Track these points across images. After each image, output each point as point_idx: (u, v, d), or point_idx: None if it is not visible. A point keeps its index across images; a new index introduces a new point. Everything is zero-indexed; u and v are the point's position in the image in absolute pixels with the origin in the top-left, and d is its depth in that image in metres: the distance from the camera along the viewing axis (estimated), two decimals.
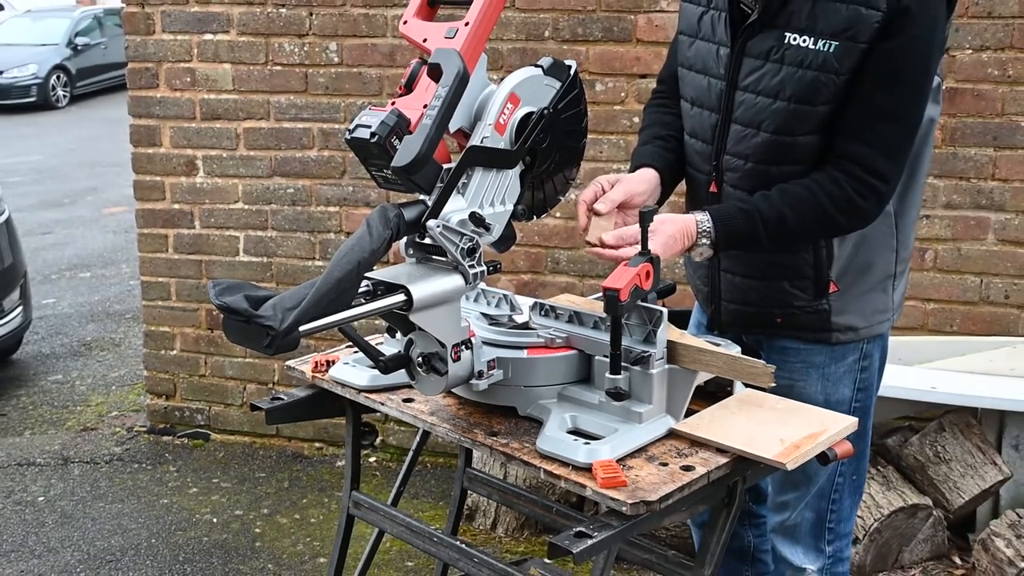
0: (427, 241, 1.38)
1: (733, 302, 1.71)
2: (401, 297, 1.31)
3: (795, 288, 1.65)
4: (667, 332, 1.44)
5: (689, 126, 1.71)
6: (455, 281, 1.37)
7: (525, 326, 1.58)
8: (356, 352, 1.74)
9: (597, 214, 1.53)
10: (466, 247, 1.36)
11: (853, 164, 1.51)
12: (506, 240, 1.45)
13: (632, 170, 1.67)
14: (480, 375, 1.43)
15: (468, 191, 1.38)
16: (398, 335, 1.59)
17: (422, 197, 1.37)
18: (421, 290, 1.32)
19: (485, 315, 1.61)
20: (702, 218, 1.51)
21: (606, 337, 1.44)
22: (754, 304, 1.68)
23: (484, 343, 1.47)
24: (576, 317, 1.52)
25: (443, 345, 1.37)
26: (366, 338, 1.50)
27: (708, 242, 1.50)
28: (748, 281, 1.67)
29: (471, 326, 1.46)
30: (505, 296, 1.63)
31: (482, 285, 1.60)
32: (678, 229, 1.48)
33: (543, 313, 1.57)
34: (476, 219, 1.36)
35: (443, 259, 1.39)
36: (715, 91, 1.62)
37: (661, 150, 1.70)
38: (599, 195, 1.55)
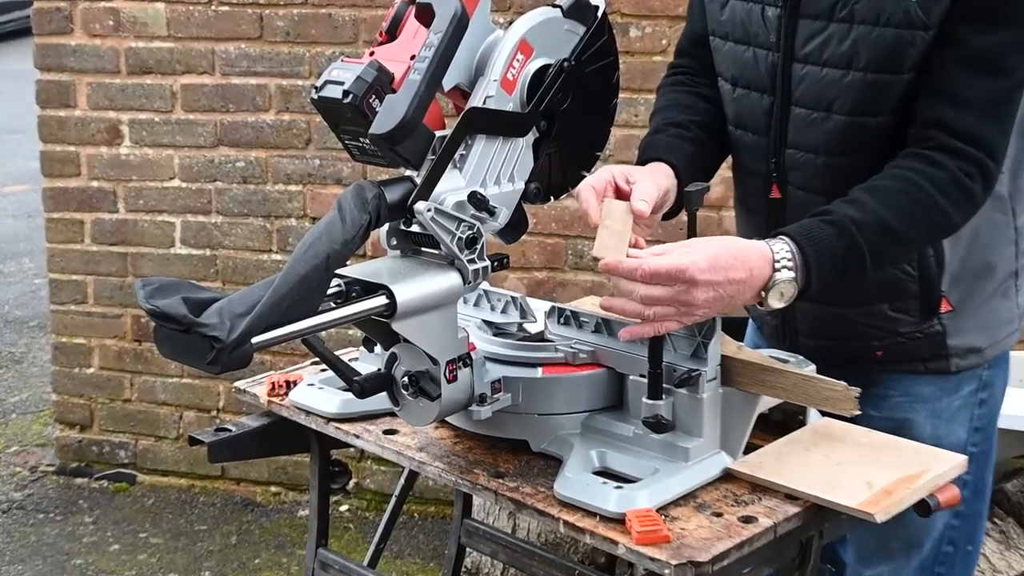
0: (415, 229, 1.40)
1: (814, 336, 1.69)
2: (381, 300, 1.32)
3: (898, 311, 1.63)
4: (721, 345, 1.45)
5: (733, 113, 1.71)
6: (450, 280, 1.38)
7: (540, 337, 1.60)
8: (324, 371, 1.76)
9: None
10: (465, 237, 1.38)
11: (946, 133, 1.47)
12: (515, 228, 1.47)
13: (641, 165, 1.66)
14: (482, 400, 1.45)
15: (467, 165, 1.40)
16: (377, 349, 1.59)
17: (409, 173, 1.39)
18: (407, 291, 1.33)
19: (489, 323, 1.63)
20: (775, 243, 1.42)
21: (643, 352, 1.45)
22: (845, 337, 1.66)
23: (487, 359, 1.49)
24: (604, 326, 1.53)
25: (435, 362, 1.38)
26: (337, 353, 1.51)
27: (791, 276, 1.40)
28: (835, 309, 1.65)
29: (471, 337, 1.47)
30: (514, 299, 1.64)
31: (485, 285, 1.61)
32: (739, 257, 1.38)
33: (563, 321, 1.59)
34: (477, 201, 1.37)
35: (435, 252, 1.41)
36: (765, 65, 1.61)
37: (679, 141, 1.68)
38: (609, 187, 1.53)
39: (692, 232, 1.43)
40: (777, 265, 1.40)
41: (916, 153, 1.50)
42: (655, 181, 1.55)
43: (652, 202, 1.49)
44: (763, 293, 1.40)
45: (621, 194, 1.53)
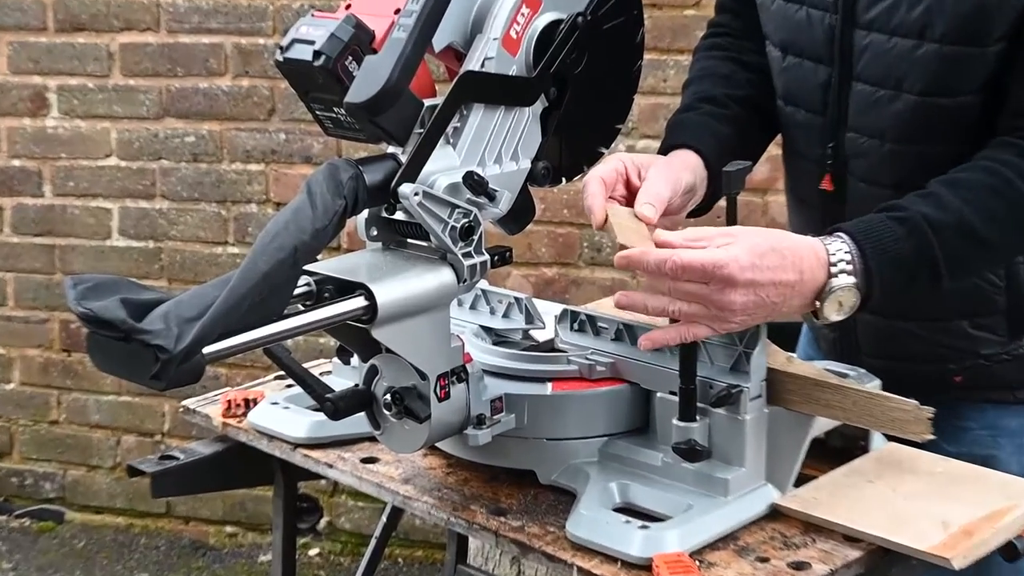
0: (400, 217, 1.41)
1: (880, 356, 1.69)
2: (359, 302, 1.32)
3: (980, 329, 1.63)
4: (767, 356, 1.46)
5: (783, 85, 1.71)
6: (442, 277, 1.39)
7: (549, 347, 1.61)
8: (290, 387, 1.77)
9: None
10: (459, 226, 1.38)
11: None
12: (520, 215, 1.48)
13: (664, 151, 1.66)
14: (480, 422, 1.46)
15: (462, 141, 1.40)
16: (354, 361, 1.60)
17: (392, 150, 1.40)
18: (389, 291, 1.33)
19: (488, 330, 1.64)
20: (831, 242, 1.41)
21: (674, 364, 1.46)
22: (917, 359, 1.67)
23: (487, 373, 1.50)
24: (627, 333, 1.54)
25: (423, 376, 1.39)
26: (306, 365, 1.51)
27: (851, 282, 1.39)
28: (903, 324, 1.65)
29: (466, 347, 1.48)
30: (518, 301, 1.66)
31: (483, 284, 1.63)
32: (788, 257, 1.37)
33: (576, 326, 1.60)
34: (474, 183, 1.38)
35: (424, 244, 1.42)
36: (821, 29, 1.62)
37: (712, 121, 1.69)
38: (619, 180, 1.54)
39: (732, 220, 1.43)
40: (833, 269, 1.39)
41: (1009, 143, 1.49)
42: (669, 178, 1.54)
43: (661, 206, 1.49)
44: (817, 302, 1.39)
45: (631, 190, 1.54)
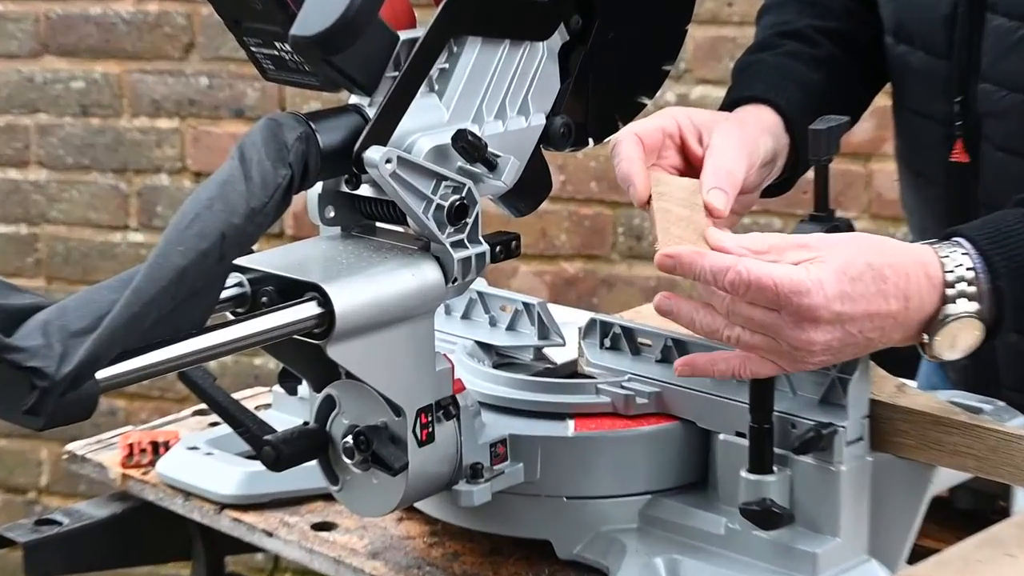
0: (366, 193, 1.42)
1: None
2: (310, 309, 1.32)
3: None
4: (871, 383, 1.46)
5: (893, 17, 1.73)
6: (423, 275, 1.39)
7: (571, 371, 1.62)
8: (215, 425, 1.79)
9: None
10: (448, 204, 1.38)
11: None
12: (531, 190, 1.49)
13: (728, 105, 1.67)
14: (476, 474, 1.46)
15: (452, 88, 1.41)
16: (303, 390, 1.62)
17: (355, 100, 1.40)
18: (351, 294, 1.33)
19: (487, 347, 1.66)
20: (948, 252, 1.41)
21: (742, 394, 1.46)
22: None
23: (484, 406, 1.51)
24: (677, 351, 1.54)
25: (398, 411, 1.40)
26: (236, 396, 1.53)
27: (972, 309, 1.39)
28: None
29: (457, 370, 1.48)
30: (528, 308, 1.67)
31: (480, 284, 1.65)
32: (891, 278, 1.37)
33: (609, 343, 1.61)
34: (468, 145, 1.37)
35: (399, 230, 1.43)
36: None
37: (796, 65, 1.70)
38: (668, 143, 1.55)
39: (822, 198, 1.43)
40: (949, 291, 1.39)
41: None
42: (743, 147, 1.55)
43: (734, 190, 1.49)
44: (925, 335, 1.41)
45: (689, 156, 1.54)
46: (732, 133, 1.55)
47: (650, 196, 1.47)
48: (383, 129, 1.35)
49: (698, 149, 1.53)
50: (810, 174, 1.47)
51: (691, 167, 1.52)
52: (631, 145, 1.49)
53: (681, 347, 1.54)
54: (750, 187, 1.57)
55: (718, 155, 1.50)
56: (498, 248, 1.44)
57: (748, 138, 1.56)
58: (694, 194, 1.46)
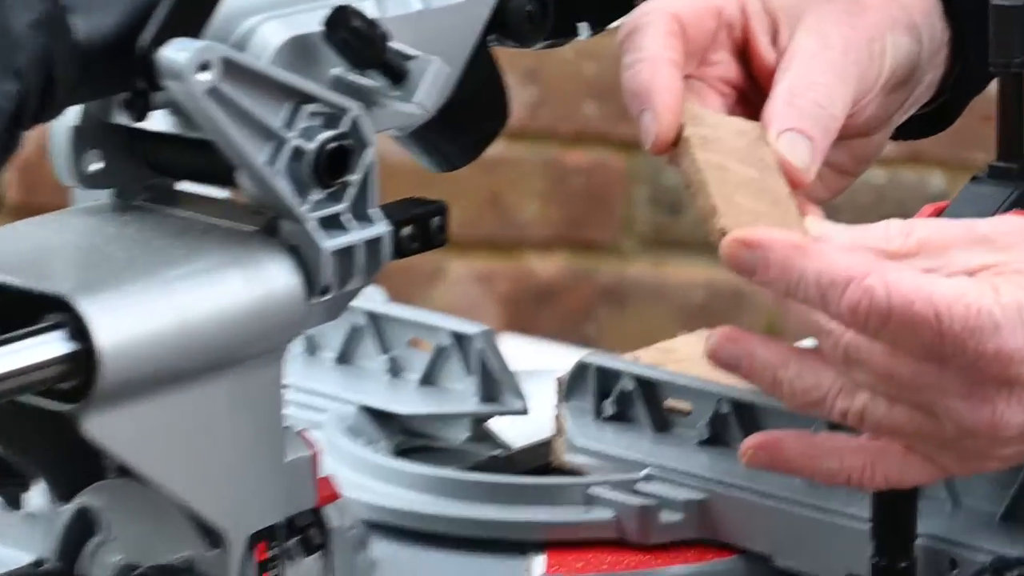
0: (161, 128, 1.13)
1: None
2: (50, 347, 1.03)
3: None
4: None
5: None
6: (266, 281, 1.11)
7: (541, 462, 1.41)
8: None
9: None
10: (314, 148, 1.09)
11: None
12: (472, 123, 1.25)
13: None
14: None
15: None
16: (36, 499, 1.33)
17: None
18: (128, 318, 1.05)
19: (383, 417, 1.43)
20: None
21: (857, 507, 1.22)
22: None
23: (377, 528, 1.30)
24: (739, 422, 1.28)
25: (216, 540, 1.11)
26: None
27: None
28: None
29: (328, 459, 1.21)
30: (462, 342, 1.43)
31: (374, 297, 1.46)
32: None
33: (612, 408, 1.34)
34: (354, 36, 1.10)
35: (222, 195, 1.18)
36: None
37: None
38: (721, 31, 1.28)
39: (1013, 135, 1.19)
40: None
41: None
42: (848, 54, 1.26)
43: (828, 135, 1.22)
44: None
45: (756, 65, 1.26)
46: (831, 31, 1.24)
47: (679, 135, 1.16)
48: (192, 6, 1.09)
49: (771, 54, 1.23)
50: (990, 94, 1.22)
51: (757, 87, 1.23)
52: (659, 35, 1.18)
53: (749, 417, 1.26)
54: (867, 126, 1.26)
55: (801, 70, 1.22)
56: (408, 230, 1.15)
57: (858, 39, 1.24)
58: (757, 144, 1.18)
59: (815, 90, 1.20)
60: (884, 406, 1.07)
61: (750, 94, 1.24)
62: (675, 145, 1.15)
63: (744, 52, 1.24)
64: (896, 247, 1.06)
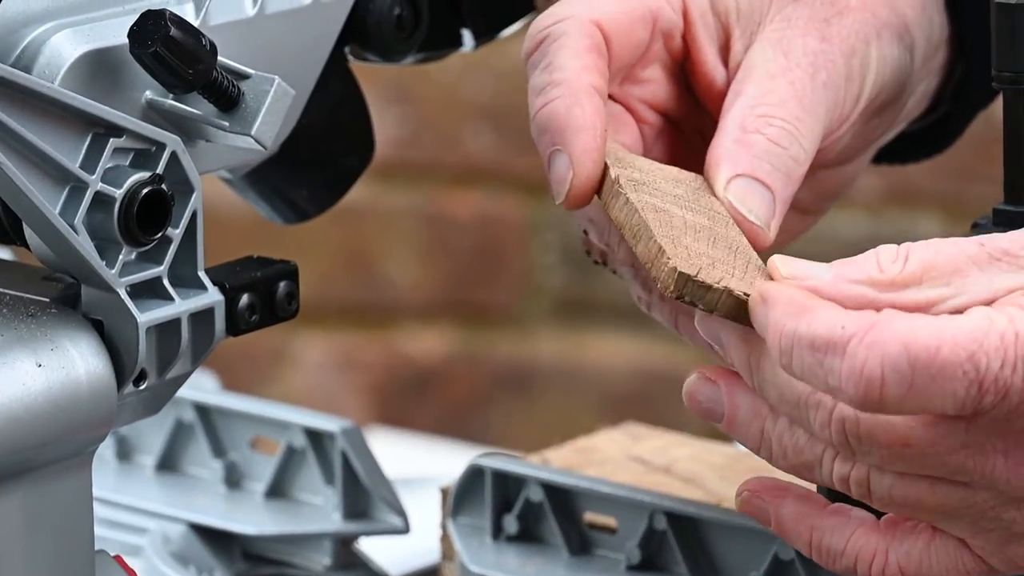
0: None
1: None
2: None
3: None
4: None
5: None
6: (66, 366, 1.05)
7: None
8: None
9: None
10: (122, 194, 1.03)
11: None
12: (327, 160, 1.23)
13: None
14: None
15: None
16: None
17: None
18: None
19: (219, 539, 1.35)
20: None
21: None
22: None
23: None
24: (675, 539, 1.20)
25: None
26: None
27: None
28: None
29: None
30: (318, 442, 1.35)
31: (202, 387, 1.42)
32: None
33: (514, 526, 1.29)
34: (173, 50, 1.02)
35: (6, 256, 1.25)
36: None
37: None
38: (666, 46, 1.22)
39: (1017, 164, 1.10)
40: None
41: None
42: (816, 75, 1.17)
43: (791, 185, 1.13)
44: None
45: (699, 83, 1.19)
46: (796, 43, 1.17)
47: (605, 178, 1.06)
48: None
49: (719, 71, 1.15)
50: (995, 112, 1.14)
51: (699, 114, 1.15)
52: (578, 50, 1.11)
53: (690, 534, 1.18)
54: (840, 157, 1.21)
55: (757, 95, 1.14)
56: (246, 299, 1.10)
57: (832, 53, 1.18)
58: (700, 193, 1.11)
59: (774, 124, 1.09)
60: (895, 481, 0.98)
61: (686, 123, 1.13)
62: (597, 195, 1.05)
63: (684, 68, 1.14)
64: (893, 275, 0.96)
